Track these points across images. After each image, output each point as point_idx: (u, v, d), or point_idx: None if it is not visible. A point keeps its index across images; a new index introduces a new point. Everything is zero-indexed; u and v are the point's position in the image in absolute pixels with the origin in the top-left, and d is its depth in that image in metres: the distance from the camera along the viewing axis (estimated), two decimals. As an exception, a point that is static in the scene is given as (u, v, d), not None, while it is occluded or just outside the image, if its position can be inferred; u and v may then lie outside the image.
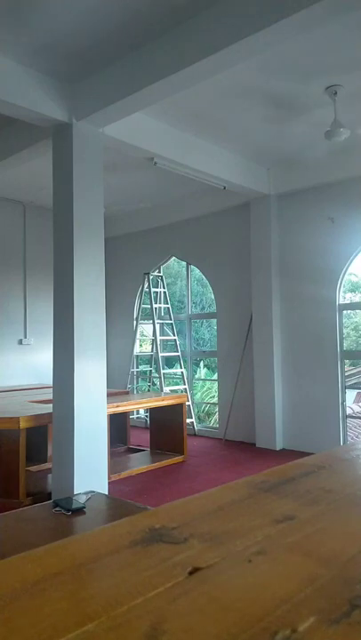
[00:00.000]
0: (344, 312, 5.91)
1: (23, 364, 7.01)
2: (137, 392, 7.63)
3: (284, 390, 6.07)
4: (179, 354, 7.31)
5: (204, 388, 8.99)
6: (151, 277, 7.44)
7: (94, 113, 3.90)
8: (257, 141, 5.26)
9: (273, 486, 0.74)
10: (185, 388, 7.05)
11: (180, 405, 5.59)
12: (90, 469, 3.93)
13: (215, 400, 7.72)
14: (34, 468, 5.02)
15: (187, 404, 6.18)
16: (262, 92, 4.21)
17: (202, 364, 9.30)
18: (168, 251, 7.57)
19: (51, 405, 4.20)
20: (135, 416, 7.51)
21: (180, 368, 7.35)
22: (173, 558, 0.50)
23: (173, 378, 8.18)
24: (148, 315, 7.45)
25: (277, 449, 5.96)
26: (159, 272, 7.69)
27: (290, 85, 4.11)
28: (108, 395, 4.69)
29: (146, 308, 7.54)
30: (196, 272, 7.65)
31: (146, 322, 7.70)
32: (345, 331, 6.24)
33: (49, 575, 0.47)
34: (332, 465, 0.86)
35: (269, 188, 6.06)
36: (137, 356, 7.80)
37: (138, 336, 7.71)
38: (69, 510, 2.64)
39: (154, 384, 7.74)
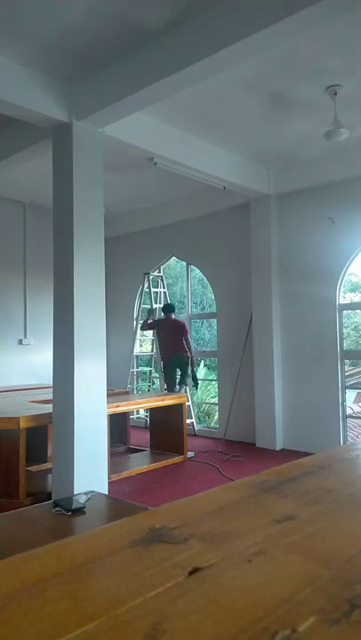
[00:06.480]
0: (344, 312, 5.91)
1: (23, 364, 7.01)
2: (137, 392, 7.63)
3: (285, 390, 6.07)
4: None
5: (202, 388, 8.97)
6: (151, 277, 7.43)
7: (94, 113, 3.90)
8: (257, 141, 5.26)
9: (273, 486, 0.74)
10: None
11: (180, 405, 5.59)
12: (90, 469, 3.93)
13: (215, 400, 7.72)
14: (34, 468, 5.02)
15: (187, 404, 6.18)
16: (262, 91, 4.21)
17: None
18: (168, 251, 7.56)
19: (51, 405, 4.20)
20: (135, 416, 7.51)
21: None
22: (173, 558, 0.50)
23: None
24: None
25: (277, 449, 5.96)
26: (159, 272, 7.69)
27: (290, 85, 4.11)
28: (108, 395, 4.69)
29: (146, 308, 7.54)
30: (197, 272, 7.65)
31: (146, 322, 7.69)
32: (345, 331, 6.24)
33: (49, 575, 0.47)
34: (332, 465, 0.86)
35: (269, 187, 6.06)
36: (137, 356, 7.80)
37: (138, 336, 7.71)
38: (69, 510, 2.64)
39: (154, 384, 7.74)
